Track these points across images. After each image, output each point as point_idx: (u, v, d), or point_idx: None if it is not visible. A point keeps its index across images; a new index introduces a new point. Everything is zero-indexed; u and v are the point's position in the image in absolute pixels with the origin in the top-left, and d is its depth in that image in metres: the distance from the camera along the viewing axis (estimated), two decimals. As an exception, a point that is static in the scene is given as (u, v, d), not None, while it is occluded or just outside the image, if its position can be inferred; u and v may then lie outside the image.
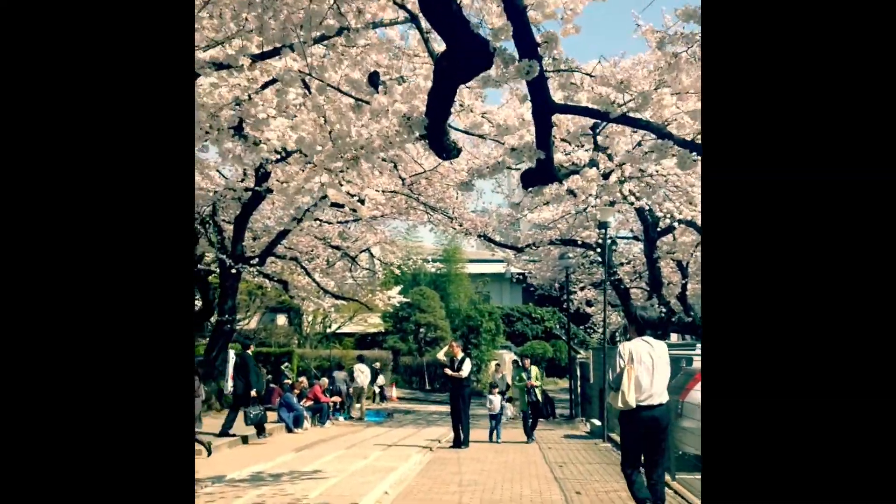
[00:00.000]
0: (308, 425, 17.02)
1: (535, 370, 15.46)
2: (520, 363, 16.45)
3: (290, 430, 16.08)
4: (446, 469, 10.44)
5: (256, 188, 18.19)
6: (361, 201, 17.01)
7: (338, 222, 22.01)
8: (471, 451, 12.82)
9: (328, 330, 36.33)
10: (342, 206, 18.43)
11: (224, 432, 13.99)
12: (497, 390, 15.10)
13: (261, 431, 14.66)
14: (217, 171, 19.42)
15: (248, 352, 15.88)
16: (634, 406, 6.03)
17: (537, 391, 15.04)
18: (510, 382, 16.71)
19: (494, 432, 14.67)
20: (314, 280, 23.37)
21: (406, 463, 11.03)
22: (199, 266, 19.17)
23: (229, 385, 16.49)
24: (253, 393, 14.60)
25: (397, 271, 26.54)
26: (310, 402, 17.80)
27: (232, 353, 17.93)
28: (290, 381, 18.79)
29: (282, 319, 38.77)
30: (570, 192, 19.57)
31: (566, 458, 11.87)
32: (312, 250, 23.21)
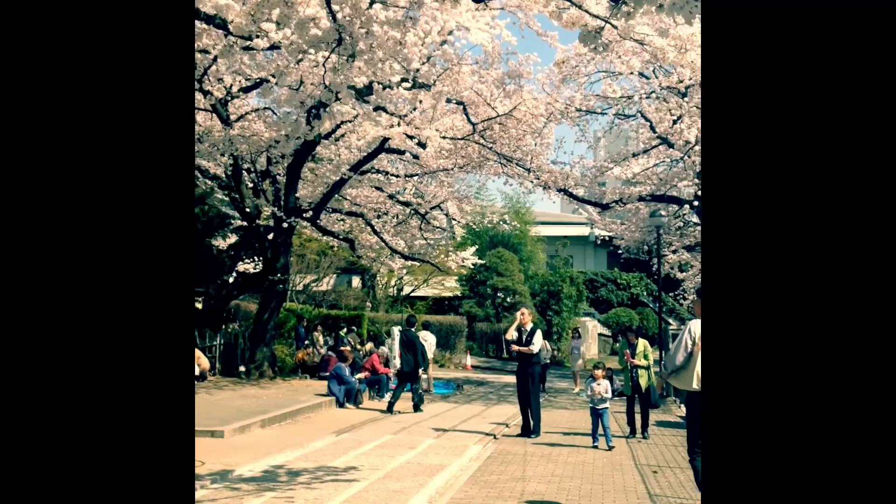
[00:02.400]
0: (365, 399, 15.20)
1: (642, 344, 11.69)
2: (623, 337, 13.15)
3: (340, 405, 14.29)
4: (507, 470, 8.33)
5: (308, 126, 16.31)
6: (423, 146, 14.97)
7: (406, 176, 20.05)
8: (543, 442, 10.65)
9: (401, 293, 34.71)
10: (403, 152, 16.50)
11: (390, 409, 13.90)
12: (601, 372, 10.48)
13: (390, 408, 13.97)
14: (271, 111, 17.66)
15: (413, 329, 14.92)
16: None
17: (643, 373, 11.47)
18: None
19: (602, 436, 10.25)
20: (382, 239, 21.59)
21: (459, 459, 8.97)
22: (257, 222, 17.44)
23: (397, 361, 15.66)
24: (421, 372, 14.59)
25: (472, 227, 24.51)
26: (366, 374, 15.95)
27: (396, 330, 17.04)
28: (348, 349, 16.94)
29: (356, 282, 37.57)
30: (664, 140, 17.10)
31: (660, 457, 9.58)
32: (380, 206, 21.43)
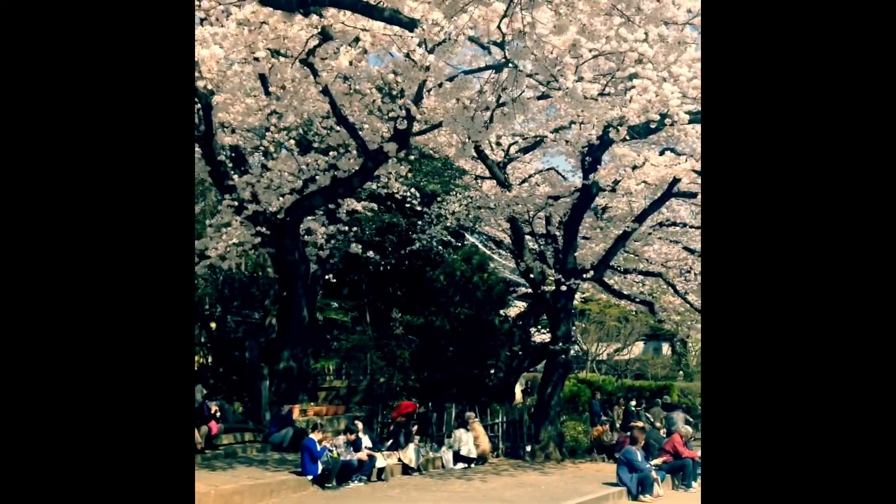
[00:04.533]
0: (659, 490, 12.67)
1: None
2: None
3: (633, 498, 11.96)
4: None
5: (585, 181, 14.65)
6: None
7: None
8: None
9: (717, 360, 31.09)
10: (695, 195, 14.21)
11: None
12: None
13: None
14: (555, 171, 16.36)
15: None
16: None
17: None
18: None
19: None
20: (686, 300, 19.06)
21: None
22: (542, 288, 16.02)
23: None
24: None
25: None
26: (666, 458, 13.41)
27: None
28: (640, 425, 14.53)
29: (665, 348, 34.65)
30: None
31: None
32: (682, 263, 18.98)
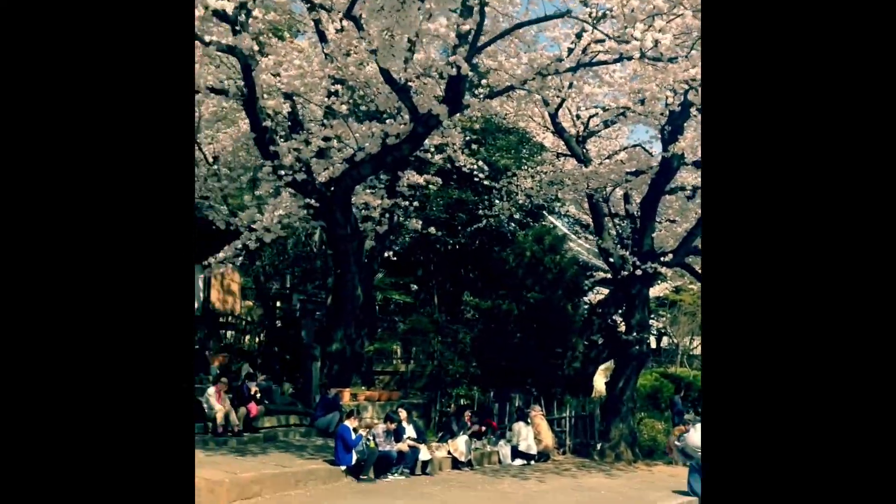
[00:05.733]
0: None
1: None
2: None
3: (708, 510, 10.51)
4: None
5: (664, 153, 13.16)
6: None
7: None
8: None
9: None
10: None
11: None
12: None
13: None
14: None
15: None
16: None
17: None
18: None
19: None
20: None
21: None
22: (622, 273, 14.61)
23: None
24: None
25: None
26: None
27: None
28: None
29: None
30: None
31: None
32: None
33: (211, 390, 11.50)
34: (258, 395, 12.10)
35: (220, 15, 10.21)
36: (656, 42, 8.81)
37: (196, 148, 15.87)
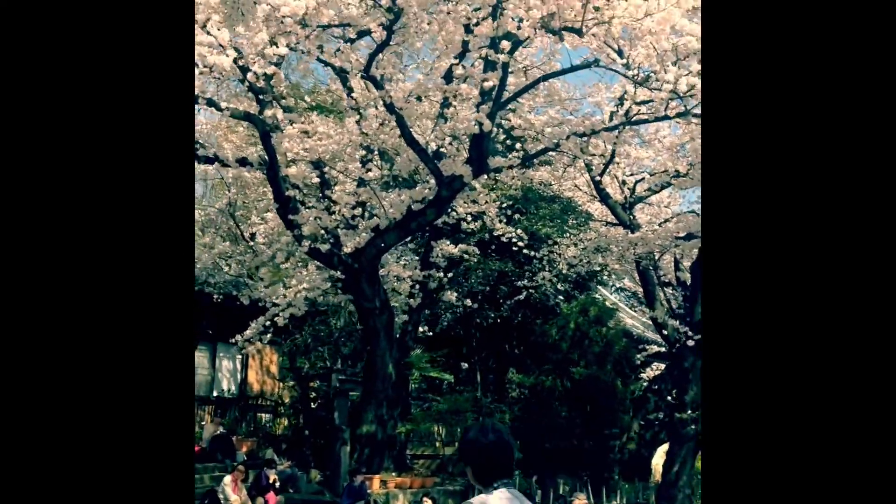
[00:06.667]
0: None
1: None
2: None
3: None
4: None
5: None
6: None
7: None
8: None
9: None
10: None
11: None
12: None
13: None
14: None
15: None
16: None
17: None
18: None
19: None
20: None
21: None
22: (677, 346, 13.52)
23: None
24: None
25: None
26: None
27: None
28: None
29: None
30: None
31: None
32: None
33: (227, 479, 10.72)
34: (277, 484, 11.23)
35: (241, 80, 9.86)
36: (692, 87, 8.03)
37: (234, 225, 15.63)
